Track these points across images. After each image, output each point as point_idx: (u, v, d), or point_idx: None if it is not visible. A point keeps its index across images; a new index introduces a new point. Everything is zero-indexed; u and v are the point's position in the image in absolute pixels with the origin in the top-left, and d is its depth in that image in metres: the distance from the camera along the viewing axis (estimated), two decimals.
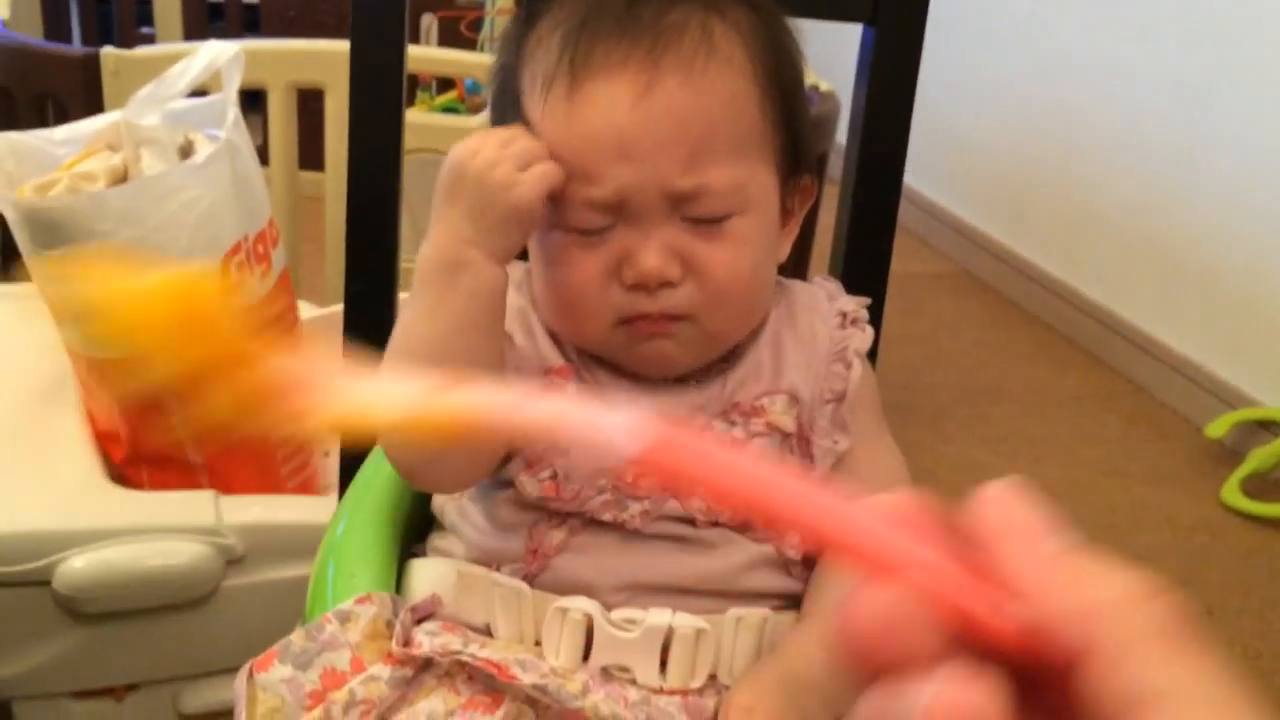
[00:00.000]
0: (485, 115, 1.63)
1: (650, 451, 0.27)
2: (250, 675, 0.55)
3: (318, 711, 0.53)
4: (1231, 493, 1.74)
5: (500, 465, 0.62)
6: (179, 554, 0.94)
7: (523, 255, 0.68)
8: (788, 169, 0.63)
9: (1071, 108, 2.29)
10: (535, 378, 0.62)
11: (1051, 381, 2.13)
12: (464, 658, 0.55)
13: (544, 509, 0.60)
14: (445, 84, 2.10)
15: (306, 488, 1.13)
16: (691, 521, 0.60)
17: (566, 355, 0.63)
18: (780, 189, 0.63)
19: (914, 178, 2.66)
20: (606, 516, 0.59)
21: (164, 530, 0.95)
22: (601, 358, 0.63)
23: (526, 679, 0.53)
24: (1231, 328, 1.96)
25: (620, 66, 0.57)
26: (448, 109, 1.99)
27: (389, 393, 0.32)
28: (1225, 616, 1.50)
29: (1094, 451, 1.90)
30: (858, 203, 0.80)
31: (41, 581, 0.92)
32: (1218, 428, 1.84)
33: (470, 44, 2.15)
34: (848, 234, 0.81)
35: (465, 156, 0.58)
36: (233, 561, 0.97)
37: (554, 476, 0.60)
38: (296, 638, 0.57)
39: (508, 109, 0.63)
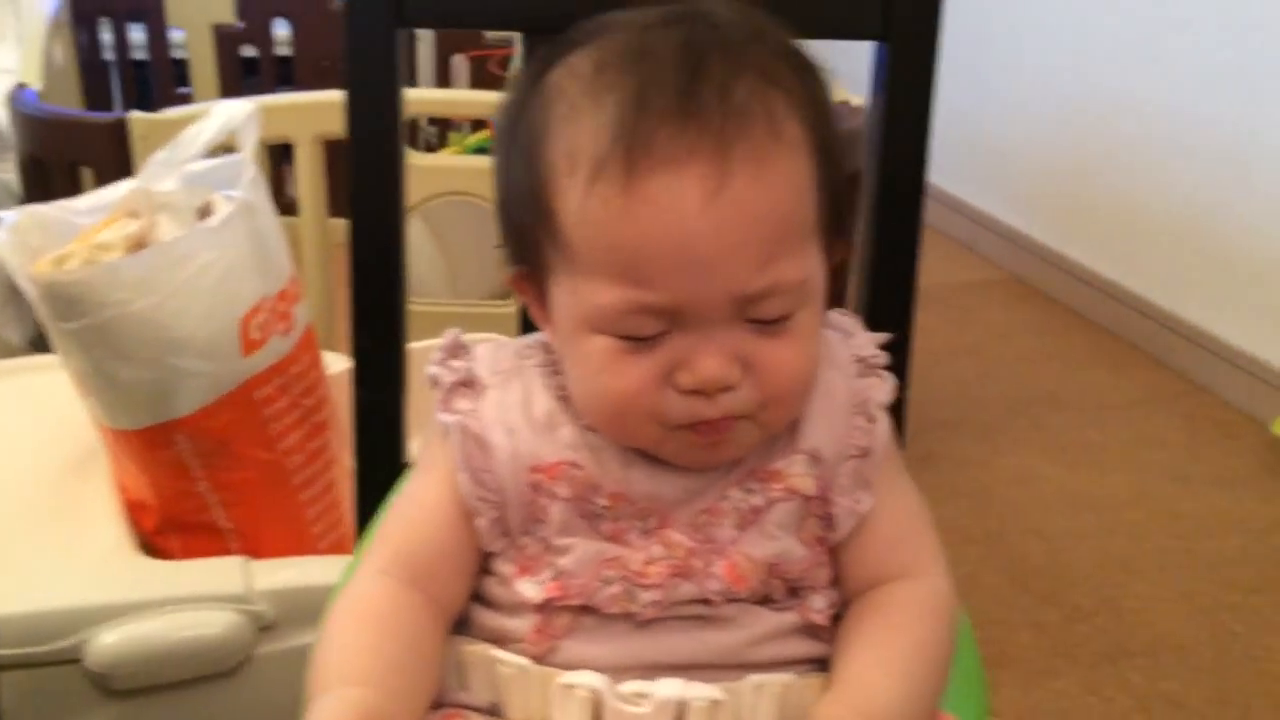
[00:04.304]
0: None
1: None
2: None
3: None
4: None
5: (483, 558, 0.59)
6: (209, 624, 0.93)
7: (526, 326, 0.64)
8: (831, 238, 0.58)
9: (1117, 106, 2.23)
10: (518, 482, 0.57)
11: (1110, 386, 2.07)
12: None
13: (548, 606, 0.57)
14: (479, 123, 2.10)
15: (339, 547, 1.12)
16: (707, 601, 0.56)
17: (563, 446, 0.58)
18: (826, 263, 0.58)
19: (957, 185, 2.65)
20: (615, 610, 0.56)
21: (193, 600, 0.94)
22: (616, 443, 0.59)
23: None
24: None
25: (687, 159, 0.50)
26: (479, 149, 1.98)
27: None
28: None
29: (1158, 456, 1.84)
30: (879, 225, 0.77)
31: (72, 659, 0.91)
32: None
33: (501, 82, 2.15)
34: (870, 260, 0.78)
35: None
36: (265, 628, 0.96)
37: (557, 576, 0.57)
38: None
39: (521, 172, 0.56)
